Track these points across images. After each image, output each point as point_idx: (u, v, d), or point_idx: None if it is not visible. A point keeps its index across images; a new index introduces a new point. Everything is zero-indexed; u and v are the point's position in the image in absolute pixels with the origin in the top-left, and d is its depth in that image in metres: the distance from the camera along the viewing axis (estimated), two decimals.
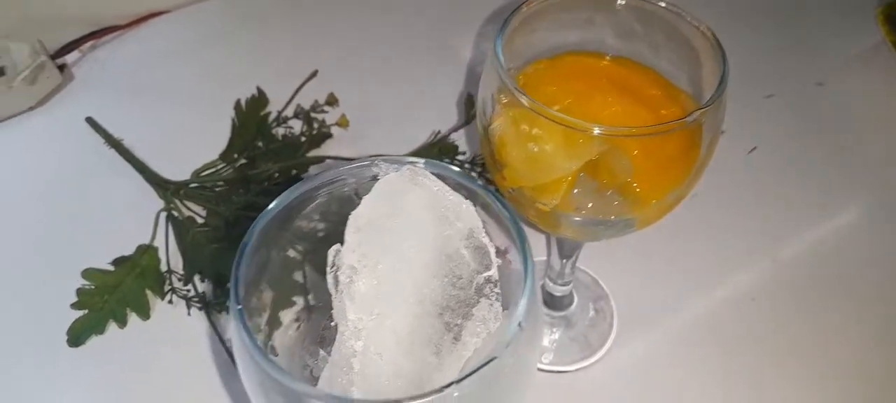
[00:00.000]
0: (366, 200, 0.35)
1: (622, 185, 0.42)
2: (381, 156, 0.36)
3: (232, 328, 0.32)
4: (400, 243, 0.34)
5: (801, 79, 0.78)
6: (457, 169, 0.36)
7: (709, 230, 0.64)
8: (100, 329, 0.57)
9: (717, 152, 0.44)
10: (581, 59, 0.49)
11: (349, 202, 0.43)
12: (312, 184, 0.37)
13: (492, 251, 0.35)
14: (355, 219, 0.34)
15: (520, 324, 0.30)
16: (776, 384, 0.54)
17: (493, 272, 0.35)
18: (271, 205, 0.36)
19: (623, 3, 0.47)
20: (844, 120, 0.74)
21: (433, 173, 0.36)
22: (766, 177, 0.69)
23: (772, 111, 0.75)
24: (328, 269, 0.35)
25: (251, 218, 0.63)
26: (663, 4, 0.46)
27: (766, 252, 0.63)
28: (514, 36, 0.45)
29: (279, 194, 0.37)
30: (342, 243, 0.35)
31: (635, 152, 0.41)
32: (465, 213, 0.35)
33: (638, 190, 0.42)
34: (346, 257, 0.34)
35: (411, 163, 0.35)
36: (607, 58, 0.48)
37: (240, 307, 0.31)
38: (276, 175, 0.67)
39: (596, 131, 0.38)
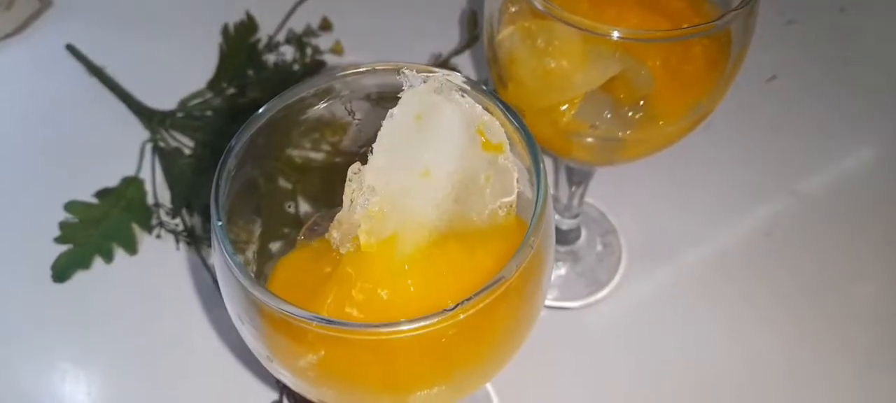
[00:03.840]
0: (396, 115, 0.31)
1: (641, 101, 0.39)
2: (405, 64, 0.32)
3: (213, 247, 0.29)
4: (427, 166, 0.31)
5: (823, 4, 0.74)
6: (484, 88, 0.32)
7: (724, 162, 0.61)
8: (85, 264, 0.55)
9: (733, 81, 0.40)
10: None
11: (342, 129, 0.39)
12: (305, 91, 0.33)
13: (515, 175, 0.32)
14: (384, 138, 0.31)
15: (530, 243, 0.27)
16: (788, 322, 0.52)
17: (513, 198, 0.32)
18: (260, 111, 0.32)
19: None
20: (868, 48, 0.70)
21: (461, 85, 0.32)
22: (785, 106, 0.65)
23: (792, 38, 0.71)
24: (347, 182, 0.32)
25: None
26: None
27: (783, 185, 0.60)
28: None
29: None
30: (363, 161, 0.32)
31: (657, 63, 0.37)
32: (497, 133, 0.31)
33: (658, 105, 0.39)
34: (367, 177, 0.31)
35: (444, 74, 0.31)
36: None
37: (221, 223, 0.28)
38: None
39: (615, 35, 0.34)
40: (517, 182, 0.32)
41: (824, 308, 0.53)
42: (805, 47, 0.70)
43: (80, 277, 0.54)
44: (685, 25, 0.41)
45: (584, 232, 0.57)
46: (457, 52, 0.67)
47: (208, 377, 0.50)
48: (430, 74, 0.31)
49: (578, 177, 0.50)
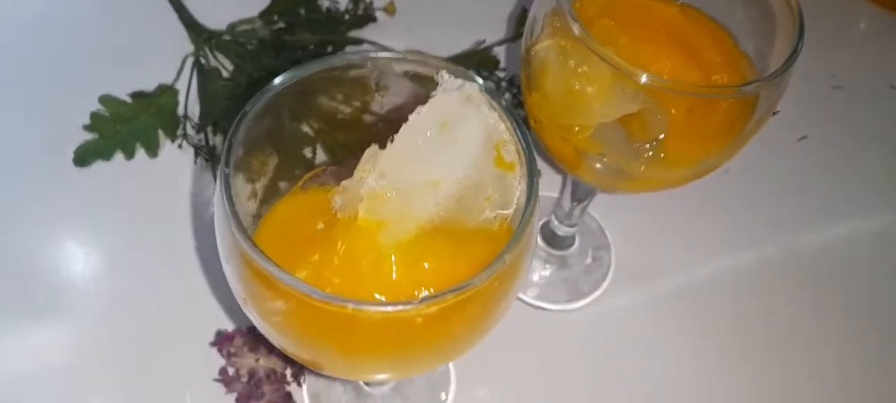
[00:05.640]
0: (424, 114, 0.32)
1: (653, 141, 0.39)
2: (442, 63, 0.33)
3: (215, 193, 0.31)
4: (439, 175, 0.32)
5: (875, 77, 0.73)
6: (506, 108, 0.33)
7: (731, 206, 0.62)
8: (107, 155, 0.58)
9: (765, 132, 0.41)
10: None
11: (371, 92, 0.41)
12: (338, 62, 0.35)
13: (517, 193, 0.33)
14: (406, 132, 0.32)
15: (504, 259, 0.29)
16: (745, 371, 0.53)
17: (510, 212, 0.34)
18: (278, 80, 0.34)
19: None
20: None
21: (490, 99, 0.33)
22: (808, 169, 0.65)
23: (834, 102, 0.70)
24: (363, 159, 0.33)
25: None
26: None
27: (781, 243, 0.60)
28: None
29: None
30: (382, 145, 0.33)
31: (680, 112, 0.38)
32: (512, 153, 0.33)
33: (668, 150, 0.40)
34: (381, 161, 0.32)
35: (478, 85, 0.32)
36: (677, 4, 0.44)
37: (228, 170, 0.30)
38: (311, 47, 0.65)
39: (643, 79, 0.35)
40: (518, 200, 0.33)
41: (786, 365, 0.53)
42: (843, 114, 0.69)
43: (99, 166, 0.57)
44: (716, 78, 0.42)
45: (578, 241, 0.58)
46: (499, 42, 0.68)
47: (187, 286, 0.53)
48: (465, 83, 0.32)
49: (583, 194, 0.51)
